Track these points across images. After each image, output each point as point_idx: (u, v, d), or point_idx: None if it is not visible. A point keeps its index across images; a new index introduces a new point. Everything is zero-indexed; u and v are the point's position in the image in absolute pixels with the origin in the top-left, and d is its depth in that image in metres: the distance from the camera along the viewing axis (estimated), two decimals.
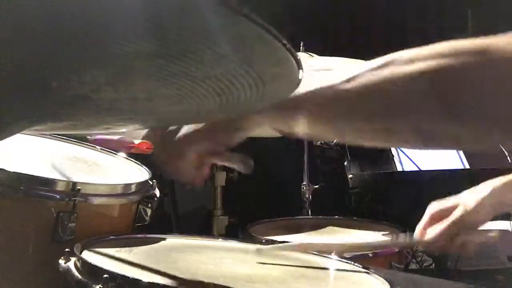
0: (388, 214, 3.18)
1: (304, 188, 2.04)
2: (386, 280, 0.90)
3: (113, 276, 0.77)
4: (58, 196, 1.07)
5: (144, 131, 1.15)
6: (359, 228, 1.80)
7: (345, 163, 2.65)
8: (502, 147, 0.89)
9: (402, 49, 0.67)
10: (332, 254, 1.07)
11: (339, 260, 1.06)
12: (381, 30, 3.67)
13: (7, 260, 1.05)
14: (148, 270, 0.86)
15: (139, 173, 1.34)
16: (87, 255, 0.90)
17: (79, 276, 0.83)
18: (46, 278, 1.02)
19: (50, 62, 0.50)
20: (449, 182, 2.32)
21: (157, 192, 1.28)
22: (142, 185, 1.24)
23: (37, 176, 1.08)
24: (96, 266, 0.81)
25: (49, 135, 1.36)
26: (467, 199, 1.20)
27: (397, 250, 1.52)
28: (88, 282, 0.81)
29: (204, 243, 1.13)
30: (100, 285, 0.77)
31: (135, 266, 0.88)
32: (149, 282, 0.75)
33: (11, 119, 0.56)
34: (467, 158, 2.42)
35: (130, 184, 1.21)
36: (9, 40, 0.46)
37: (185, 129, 0.83)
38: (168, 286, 0.76)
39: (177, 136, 0.83)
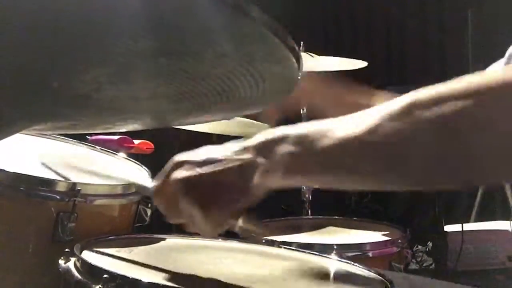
0: (388, 214, 3.18)
1: (304, 188, 2.03)
2: (386, 280, 0.90)
3: (113, 276, 0.77)
4: (58, 196, 1.07)
5: None
6: (359, 228, 1.79)
7: None
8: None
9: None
10: None
11: (339, 260, 1.06)
12: (381, 30, 3.67)
13: (7, 260, 1.05)
14: (148, 270, 0.85)
15: (139, 173, 1.34)
16: (87, 255, 0.89)
17: (79, 276, 0.83)
18: (46, 278, 1.02)
19: (51, 62, 0.50)
20: None
21: None
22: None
23: (37, 176, 1.07)
24: (96, 266, 0.81)
25: (49, 135, 1.36)
26: None
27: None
28: (88, 282, 0.80)
29: (204, 243, 1.12)
30: (100, 285, 0.77)
31: (135, 266, 0.88)
32: (149, 282, 0.75)
33: (11, 119, 0.56)
34: None
35: (130, 184, 1.21)
36: (10, 40, 0.45)
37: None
38: (168, 286, 0.76)
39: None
